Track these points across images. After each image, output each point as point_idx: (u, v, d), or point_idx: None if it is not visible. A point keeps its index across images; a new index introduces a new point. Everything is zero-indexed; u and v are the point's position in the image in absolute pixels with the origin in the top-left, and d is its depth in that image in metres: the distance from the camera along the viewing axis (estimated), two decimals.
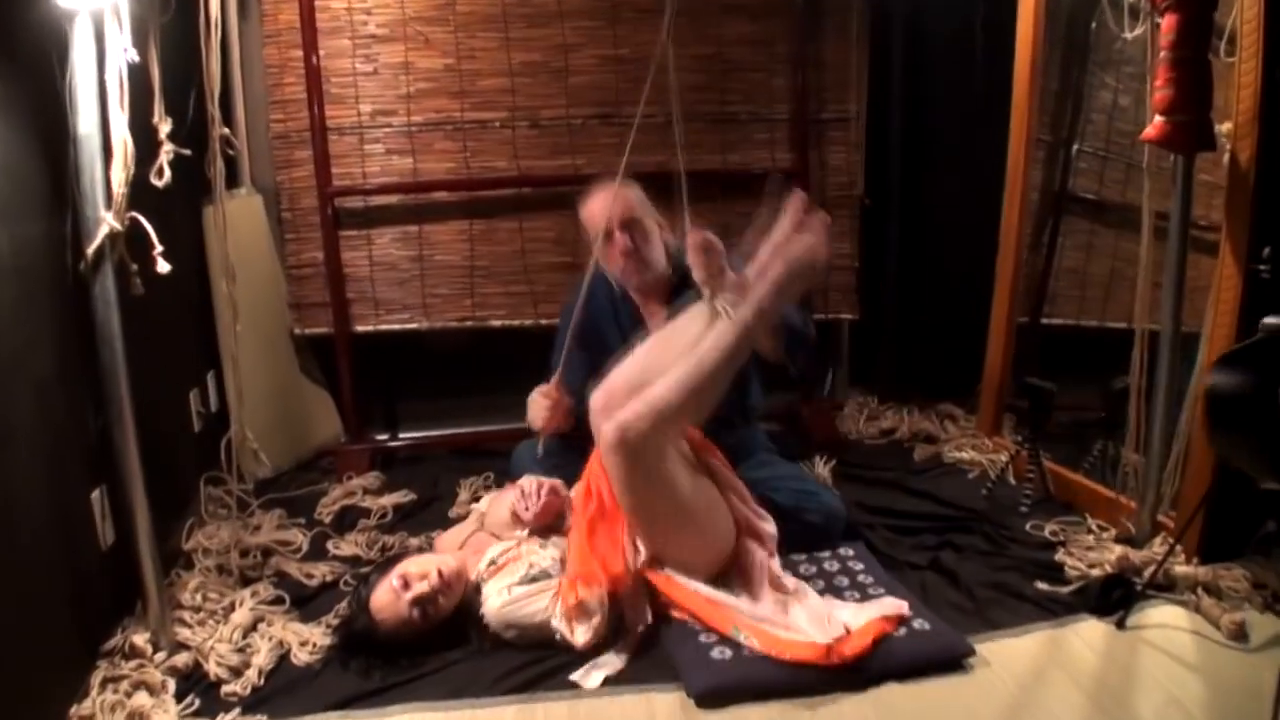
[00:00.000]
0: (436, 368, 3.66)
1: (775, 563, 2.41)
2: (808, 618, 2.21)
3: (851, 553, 2.59)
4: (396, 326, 3.50)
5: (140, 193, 2.23)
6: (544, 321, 3.50)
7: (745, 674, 2.08)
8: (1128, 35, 2.76)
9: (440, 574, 2.24)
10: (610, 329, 2.80)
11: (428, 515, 3.08)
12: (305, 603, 2.54)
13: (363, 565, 2.69)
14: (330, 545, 2.86)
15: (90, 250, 2.07)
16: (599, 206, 2.68)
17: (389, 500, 3.14)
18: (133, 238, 2.20)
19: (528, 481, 2.50)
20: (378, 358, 3.60)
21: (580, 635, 2.20)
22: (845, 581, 2.46)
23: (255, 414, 3.10)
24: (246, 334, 3.13)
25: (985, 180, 3.37)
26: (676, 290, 2.73)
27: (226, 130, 2.66)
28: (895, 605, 2.24)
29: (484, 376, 3.60)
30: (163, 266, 2.25)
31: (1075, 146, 3.40)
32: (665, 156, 3.30)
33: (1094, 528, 2.70)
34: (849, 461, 3.27)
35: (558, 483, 2.51)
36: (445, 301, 3.51)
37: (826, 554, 2.57)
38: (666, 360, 2.30)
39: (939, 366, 3.70)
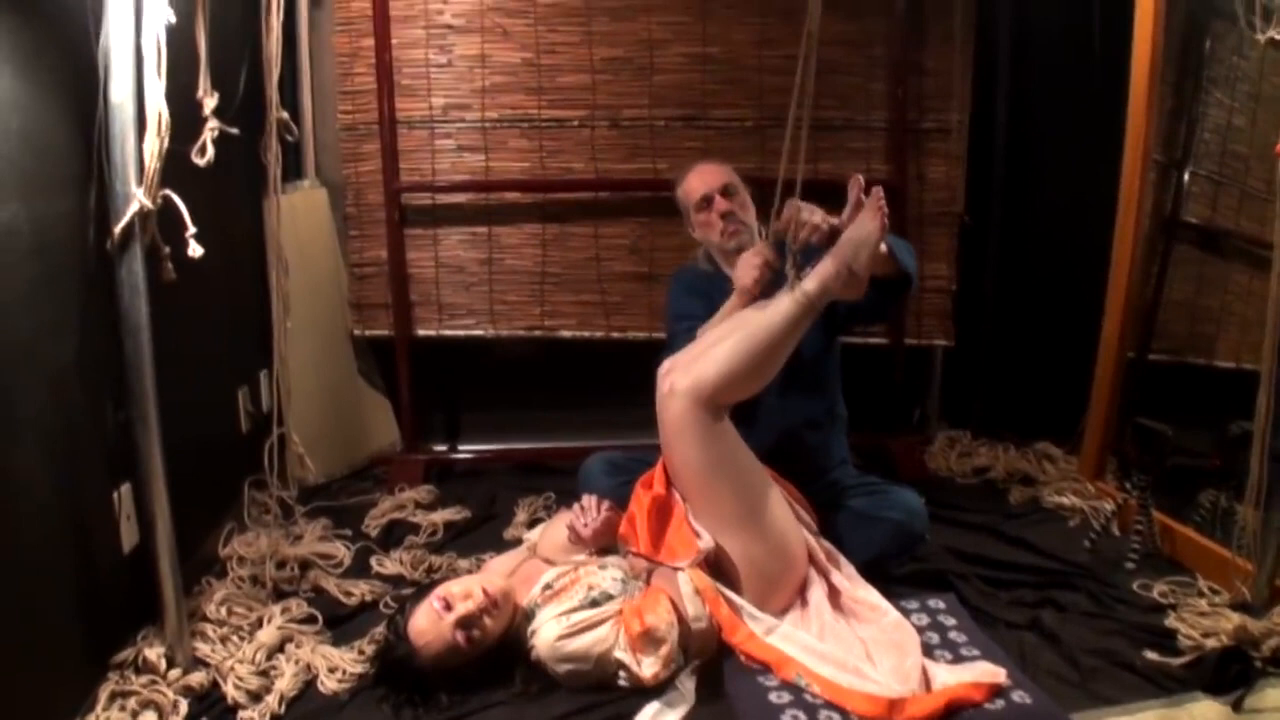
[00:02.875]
0: (500, 378, 3.46)
1: (845, 581, 2.20)
2: (883, 645, 2.01)
3: (943, 605, 2.28)
4: (461, 332, 3.30)
5: (194, 179, 2.05)
6: (615, 334, 3.29)
7: None
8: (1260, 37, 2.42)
9: (486, 593, 1.98)
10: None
11: (480, 535, 2.82)
12: (340, 623, 2.30)
13: (405, 586, 2.46)
14: (374, 562, 2.61)
15: (118, 229, 1.85)
16: (697, 178, 2.61)
17: (440, 516, 2.89)
18: (166, 221, 1.98)
19: (586, 498, 2.30)
20: (439, 365, 3.40)
21: (648, 667, 1.94)
22: (935, 639, 2.14)
23: (307, 417, 2.91)
24: (303, 333, 2.99)
25: (1094, 201, 3.08)
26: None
27: (285, 114, 2.43)
28: (991, 672, 1.94)
29: (550, 390, 3.41)
30: (195, 249, 2.02)
31: (1188, 169, 3.05)
32: (755, 164, 3.11)
33: (1206, 590, 2.38)
34: (938, 501, 2.90)
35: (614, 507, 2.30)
36: (513, 309, 3.30)
37: (914, 605, 2.26)
38: None
39: (1037, 402, 3.37)
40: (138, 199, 1.85)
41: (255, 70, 2.49)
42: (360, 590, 2.45)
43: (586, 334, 3.29)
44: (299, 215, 3.06)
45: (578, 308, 3.29)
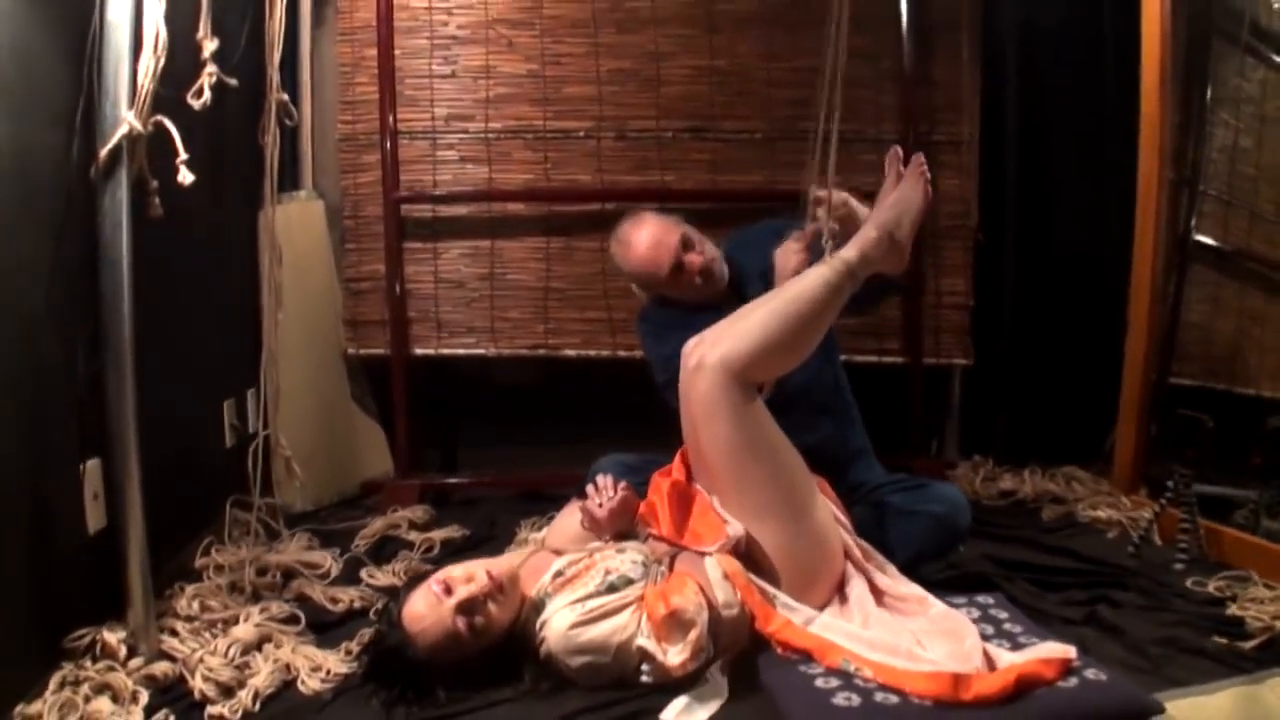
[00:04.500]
0: (499, 401, 3.30)
1: (886, 578, 1.99)
2: (934, 634, 1.78)
3: (991, 601, 2.07)
4: (460, 351, 3.14)
5: (196, 191, 1.94)
6: (622, 353, 3.12)
7: None
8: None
9: (491, 575, 1.75)
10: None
11: (480, 554, 2.50)
12: (325, 629, 2.08)
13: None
14: (364, 574, 2.38)
15: (104, 152, 1.71)
16: (652, 252, 2.38)
17: (437, 535, 2.66)
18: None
19: (600, 478, 2.07)
20: (437, 385, 3.23)
21: (675, 655, 1.69)
22: (990, 630, 1.91)
23: (297, 439, 2.71)
24: (295, 351, 2.85)
25: (1108, 215, 3.00)
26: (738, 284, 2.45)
27: (285, 96, 2.33)
28: (1060, 649, 1.71)
29: (552, 412, 3.24)
30: (185, 176, 1.87)
31: (1200, 187, 2.97)
32: (765, 176, 3.03)
33: (1264, 585, 2.20)
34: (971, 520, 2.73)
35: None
36: (515, 326, 3.14)
37: (962, 600, 2.03)
38: None
39: (1059, 425, 3.20)
40: (128, 122, 1.71)
41: (255, 54, 2.37)
42: (349, 596, 2.23)
43: (591, 353, 3.13)
44: (294, 227, 2.93)
45: (582, 325, 3.14)
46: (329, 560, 2.43)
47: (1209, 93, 2.93)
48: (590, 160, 3.10)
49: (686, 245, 2.38)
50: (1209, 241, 2.94)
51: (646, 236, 2.39)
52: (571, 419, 3.08)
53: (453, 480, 3.20)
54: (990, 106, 3.18)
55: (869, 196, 2.23)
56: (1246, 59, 2.71)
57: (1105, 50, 3.11)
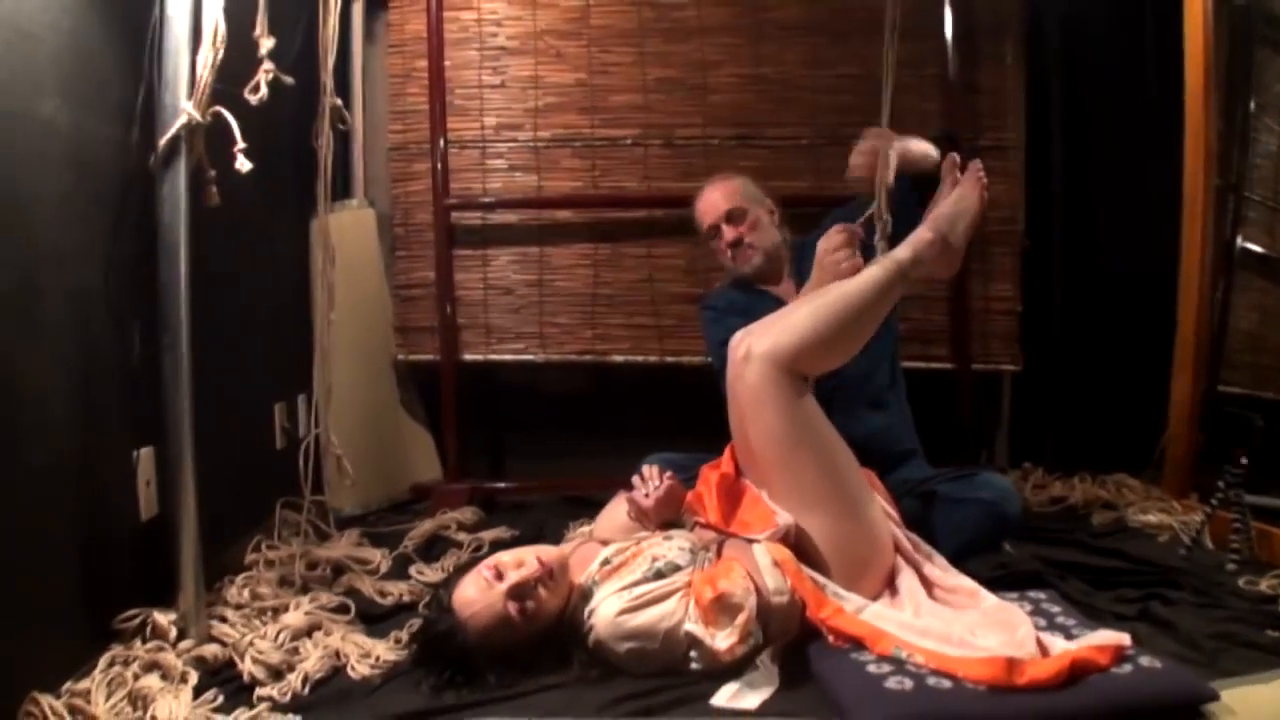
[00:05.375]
0: (548, 407, 3.31)
1: (936, 570, 1.99)
2: (987, 625, 1.77)
3: (1044, 595, 2.06)
4: (509, 357, 3.18)
5: (241, 193, 2.02)
6: (669, 359, 3.15)
7: (939, 708, 1.55)
8: None
9: (541, 561, 1.77)
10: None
11: None
12: (375, 620, 2.10)
13: None
14: (413, 570, 2.41)
15: (163, 141, 1.77)
16: (704, 204, 2.59)
17: (487, 535, 2.69)
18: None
19: (646, 467, 2.10)
20: (485, 391, 3.26)
21: (723, 639, 1.70)
22: (1043, 623, 1.89)
23: (347, 444, 2.72)
24: (345, 357, 2.91)
25: (1156, 222, 2.97)
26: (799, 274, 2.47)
27: (338, 100, 2.38)
28: (1115, 636, 1.71)
29: (602, 417, 3.25)
30: (242, 164, 1.92)
31: (1245, 193, 2.94)
32: (810, 182, 3.07)
33: None
34: (1022, 525, 2.66)
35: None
36: (564, 332, 3.18)
37: (1013, 595, 2.03)
38: None
39: (1109, 433, 3.18)
40: (187, 112, 1.76)
41: (309, 62, 2.44)
42: (398, 590, 2.25)
43: (639, 358, 3.16)
44: (345, 235, 2.98)
45: (630, 331, 3.17)
46: (379, 556, 2.46)
47: (1252, 99, 2.91)
48: (637, 168, 3.14)
49: (731, 217, 2.52)
50: (1255, 248, 2.92)
51: (707, 190, 2.60)
52: (618, 425, 3.09)
53: (501, 485, 3.23)
54: (1035, 112, 3.19)
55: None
56: None
57: (1149, 56, 3.11)
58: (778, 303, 2.29)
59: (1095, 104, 3.23)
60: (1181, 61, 2.80)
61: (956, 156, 2.16)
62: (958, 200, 2.09)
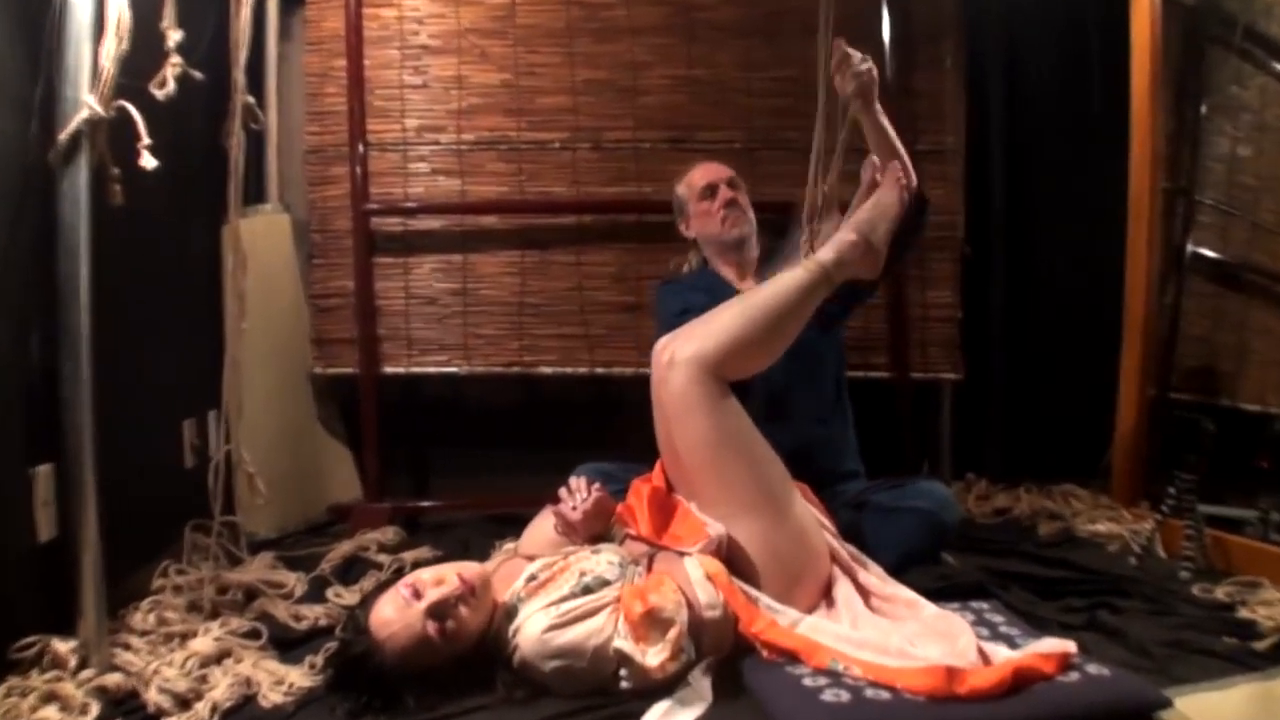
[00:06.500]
0: (473, 422, 3.25)
1: (874, 578, 1.99)
2: (926, 635, 1.76)
3: (986, 606, 2.05)
4: (432, 370, 3.11)
5: (158, 196, 2.00)
6: (599, 370, 3.09)
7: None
8: None
9: (462, 578, 1.71)
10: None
11: None
12: (289, 646, 2.01)
13: None
14: (330, 594, 2.33)
15: (63, 136, 1.69)
16: (701, 171, 2.69)
17: (408, 556, 2.61)
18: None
19: (574, 479, 2.05)
20: (408, 405, 3.19)
21: (654, 655, 1.66)
22: (985, 633, 1.88)
23: (260, 461, 2.62)
24: (259, 370, 2.81)
25: (1103, 226, 2.98)
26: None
27: (251, 99, 2.31)
28: (1059, 644, 1.69)
29: (529, 431, 3.20)
30: (148, 161, 1.85)
31: (1196, 196, 2.97)
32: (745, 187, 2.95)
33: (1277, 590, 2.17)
34: (964, 536, 2.62)
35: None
36: (489, 343, 3.11)
37: (955, 605, 2.01)
38: None
39: (1054, 442, 3.18)
40: (89, 106, 1.69)
41: (220, 58, 2.36)
42: (313, 613, 2.17)
43: (568, 370, 3.09)
44: (259, 241, 2.87)
45: (559, 342, 3.11)
46: (293, 580, 2.37)
47: (1204, 101, 2.95)
48: (566, 172, 3.09)
49: (733, 184, 2.64)
50: (1208, 253, 2.93)
51: (704, 163, 2.73)
52: (547, 440, 3.03)
53: (424, 503, 3.15)
54: (976, 116, 3.19)
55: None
56: (1244, 66, 2.73)
57: (1093, 57, 3.13)
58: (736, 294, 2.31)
59: (1037, 106, 3.24)
60: (1128, 62, 2.83)
61: (875, 159, 2.19)
62: (876, 202, 2.14)
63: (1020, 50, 3.24)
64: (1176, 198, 2.97)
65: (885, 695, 1.57)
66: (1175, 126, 2.97)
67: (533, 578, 1.81)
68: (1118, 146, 2.88)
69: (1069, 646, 1.67)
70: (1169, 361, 3.00)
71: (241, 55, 2.23)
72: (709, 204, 2.61)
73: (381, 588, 1.84)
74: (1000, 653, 1.70)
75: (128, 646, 1.87)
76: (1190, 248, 2.95)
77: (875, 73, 2.18)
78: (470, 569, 1.76)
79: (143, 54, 1.88)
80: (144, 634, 1.94)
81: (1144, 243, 2.83)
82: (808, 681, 1.62)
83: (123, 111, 1.82)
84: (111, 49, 1.75)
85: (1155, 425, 2.88)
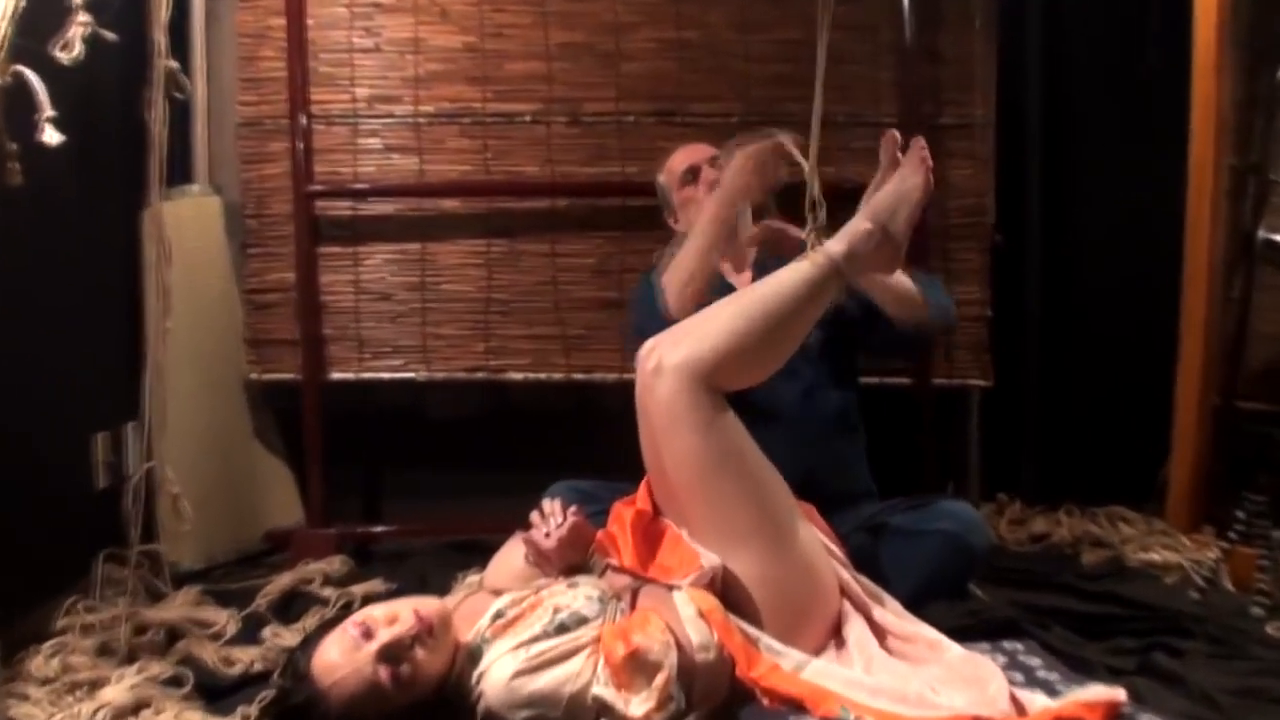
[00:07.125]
0: (435, 433, 3.26)
1: (890, 615, 1.98)
2: (951, 680, 1.75)
3: (1021, 646, 2.05)
4: (386, 375, 3.14)
5: (66, 178, 2.03)
6: (577, 376, 3.11)
7: None
8: None
9: (419, 615, 1.69)
10: None
11: None
12: (219, 695, 2.01)
13: None
14: (267, 632, 2.32)
15: None
16: (682, 154, 2.69)
17: (357, 589, 2.61)
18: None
19: (547, 502, 2.06)
20: (358, 416, 3.19)
21: (638, 705, 1.64)
22: (1020, 677, 1.89)
23: (186, 480, 2.63)
24: (185, 374, 2.88)
25: (1157, 211, 2.99)
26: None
27: (175, 64, 2.32)
28: (1107, 692, 1.69)
29: (497, 446, 3.21)
30: (51, 136, 1.87)
31: (1270, 175, 2.95)
32: None
33: None
34: (994, 566, 2.64)
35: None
36: (451, 345, 3.14)
37: (985, 646, 2.02)
38: None
39: (1100, 458, 3.20)
40: None
41: (139, 14, 2.34)
42: (248, 656, 2.18)
43: (541, 375, 3.11)
44: (185, 227, 2.87)
45: (530, 343, 3.14)
46: (224, 618, 2.37)
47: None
48: (538, 149, 3.11)
49: (716, 164, 2.57)
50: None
51: (686, 145, 2.72)
52: (516, 456, 3.03)
53: (376, 529, 3.18)
54: (1009, 84, 3.19)
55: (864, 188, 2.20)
56: None
57: (1148, 8, 3.12)
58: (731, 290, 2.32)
59: (1081, 70, 3.25)
60: (1190, 14, 2.83)
61: (896, 134, 2.14)
62: (898, 183, 2.06)
63: (1062, 5, 3.23)
64: (1246, 176, 2.96)
65: None
66: (1245, 92, 2.96)
67: (499, 614, 1.81)
68: (1176, 116, 2.88)
69: (1118, 694, 1.67)
70: (1236, 364, 2.99)
71: (163, 13, 2.24)
72: (692, 189, 2.61)
73: (326, 627, 1.78)
74: (1037, 701, 1.69)
75: (25, 697, 1.87)
76: (1262, 234, 2.92)
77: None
78: (429, 605, 1.75)
79: (44, 11, 1.87)
80: (45, 682, 1.94)
81: (1206, 227, 2.84)
82: None
83: (20, 78, 1.81)
84: (6, 5, 1.75)
85: (1220, 438, 2.88)
